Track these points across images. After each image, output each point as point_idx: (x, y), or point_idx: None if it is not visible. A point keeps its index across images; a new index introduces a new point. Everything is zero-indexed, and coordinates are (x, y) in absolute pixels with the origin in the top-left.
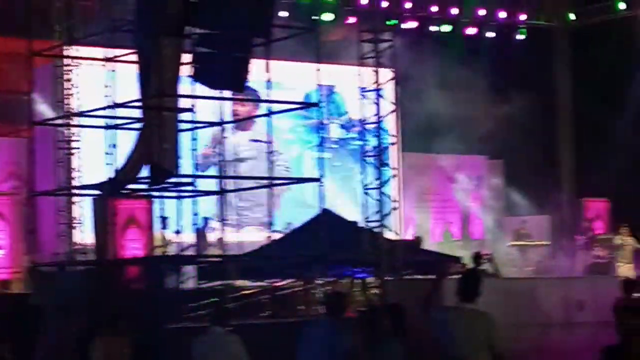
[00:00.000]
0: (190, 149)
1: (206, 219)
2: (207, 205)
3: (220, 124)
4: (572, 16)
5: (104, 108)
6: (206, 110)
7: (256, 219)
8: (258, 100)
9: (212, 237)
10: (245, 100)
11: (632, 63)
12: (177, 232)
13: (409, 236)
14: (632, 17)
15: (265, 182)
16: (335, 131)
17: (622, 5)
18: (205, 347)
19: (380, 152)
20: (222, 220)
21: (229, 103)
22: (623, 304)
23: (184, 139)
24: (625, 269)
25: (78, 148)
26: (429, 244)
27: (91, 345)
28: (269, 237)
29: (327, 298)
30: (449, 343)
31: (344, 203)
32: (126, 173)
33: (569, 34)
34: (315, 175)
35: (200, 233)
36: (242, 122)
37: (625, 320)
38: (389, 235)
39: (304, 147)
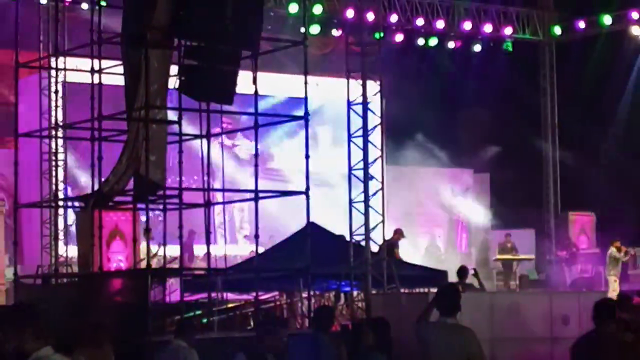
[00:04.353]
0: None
1: (192, 232)
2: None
3: (206, 136)
4: (558, 30)
5: (90, 120)
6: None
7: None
8: (244, 113)
9: (197, 250)
10: (232, 113)
11: (618, 78)
12: (162, 244)
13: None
14: (618, 32)
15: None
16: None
17: (607, 20)
18: None
19: (367, 165)
20: (208, 232)
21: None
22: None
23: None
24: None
25: (63, 160)
26: (414, 258)
27: (73, 356)
28: (252, 251)
29: (316, 312)
30: (431, 358)
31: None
32: (112, 185)
33: (555, 48)
34: None
35: (186, 246)
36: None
37: None
38: (374, 248)
39: None
